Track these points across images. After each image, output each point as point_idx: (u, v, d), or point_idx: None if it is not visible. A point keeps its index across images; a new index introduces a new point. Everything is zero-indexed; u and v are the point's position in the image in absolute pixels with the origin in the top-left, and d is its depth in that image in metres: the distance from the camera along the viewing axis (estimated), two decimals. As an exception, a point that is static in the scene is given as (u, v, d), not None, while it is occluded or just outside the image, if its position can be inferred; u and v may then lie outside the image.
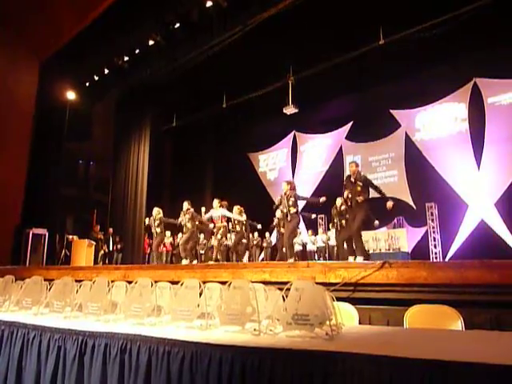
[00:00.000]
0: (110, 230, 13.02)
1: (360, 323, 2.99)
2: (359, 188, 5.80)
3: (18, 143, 11.47)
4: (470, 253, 10.60)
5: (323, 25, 10.27)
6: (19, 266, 9.66)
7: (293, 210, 6.80)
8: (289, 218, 6.84)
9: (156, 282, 2.63)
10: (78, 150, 14.17)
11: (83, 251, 10.23)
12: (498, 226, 11.03)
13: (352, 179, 5.95)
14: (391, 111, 13.55)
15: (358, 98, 13.73)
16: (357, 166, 6.12)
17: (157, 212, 8.80)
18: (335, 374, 1.60)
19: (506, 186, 11.07)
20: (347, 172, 14.43)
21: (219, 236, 8.50)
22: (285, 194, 6.90)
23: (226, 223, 8.55)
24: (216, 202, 8.51)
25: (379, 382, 1.53)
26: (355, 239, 5.88)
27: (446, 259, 11.53)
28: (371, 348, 1.69)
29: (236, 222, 8.67)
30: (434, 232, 12.06)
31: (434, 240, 12.02)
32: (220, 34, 10.19)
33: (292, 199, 6.82)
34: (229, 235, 9.10)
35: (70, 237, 11.16)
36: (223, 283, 2.72)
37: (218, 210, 8.46)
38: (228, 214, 8.51)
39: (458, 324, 2.68)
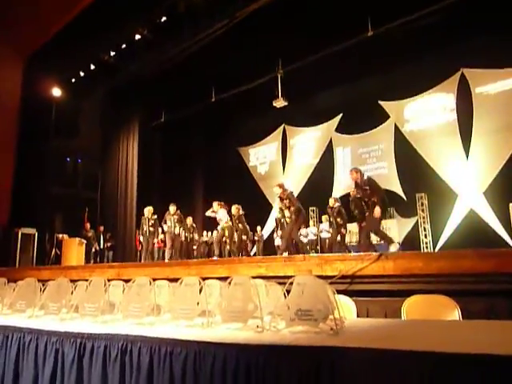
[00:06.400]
0: (101, 227, 12.89)
1: (358, 316, 2.98)
2: (369, 191, 6.20)
3: (4, 142, 11.27)
4: (460, 242, 10.74)
5: (311, 17, 10.22)
6: (8, 266, 9.53)
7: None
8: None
9: (153, 279, 2.59)
10: (65, 147, 13.94)
11: (74, 250, 10.14)
12: (487, 215, 11.16)
13: (360, 185, 6.31)
14: (380, 102, 13.58)
15: (347, 90, 13.74)
16: (356, 171, 6.44)
17: (149, 211, 9.17)
18: (343, 369, 1.58)
19: (494, 174, 11.19)
20: (338, 164, 14.71)
21: (226, 233, 8.83)
22: (279, 197, 7.41)
23: (230, 223, 8.89)
24: (215, 205, 8.89)
25: (388, 376, 1.51)
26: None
27: (437, 249, 11.65)
28: (377, 342, 1.68)
29: (237, 220, 8.92)
30: (424, 222, 12.17)
31: (425, 230, 12.13)
32: (207, 28, 10.09)
33: (286, 201, 7.27)
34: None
35: (60, 235, 11.04)
36: (219, 279, 2.69)
37: (218, 212, 8.86)
38: (225, 216, 8.82)
39: (455, 313, 2.69)
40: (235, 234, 9.12)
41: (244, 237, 9.79)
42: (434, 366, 1.48)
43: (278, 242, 12.85)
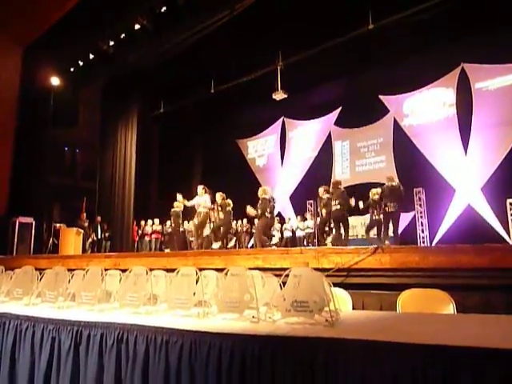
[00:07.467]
0: (98, 217, 12.89)
1: (353, 308, 3.00)
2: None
3: (2, 131, 11.20)
4: (457, 237, 10.74)
5: (312, 9, 10.14)
6: (6, 255, 9.53)
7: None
8: None
9: (149, 269, 2.60)
10: (63, 136, 13.89)
11: (71, 239, 10.13)
12: (485, 211, 11.18)
13: None
14: (380, 96, 13.54)
15: (346, 84, 13.70)
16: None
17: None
18: (337, 360, 1.59)
19: (492, 170, 11.19)
20: (336, 157, 14.69)
21: (196, 221, 8.54)
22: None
23: (208, 209, 8.55)
24: (200, 188, 8.55)
25: (381, 368, 1.53)
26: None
27: (434, 243, 11.69)
28: (372, 334, 1.69)
29: (220, 209, 8.52)
30: (421, 217, 12.20)
31: (422, 224, 12.16)
32: (208, 18, 9.99)
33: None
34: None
35: (58, 225, 11.03)
36: (216, 270, 2.70)
37: (202, 197, 8.50)
38: (209, 201, 8.51)
39: (450, 307, 2.71)
40: (211, 223, 8.88)
41: (223, 228, 8.48)
42: (428, 359, 1.49)
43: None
